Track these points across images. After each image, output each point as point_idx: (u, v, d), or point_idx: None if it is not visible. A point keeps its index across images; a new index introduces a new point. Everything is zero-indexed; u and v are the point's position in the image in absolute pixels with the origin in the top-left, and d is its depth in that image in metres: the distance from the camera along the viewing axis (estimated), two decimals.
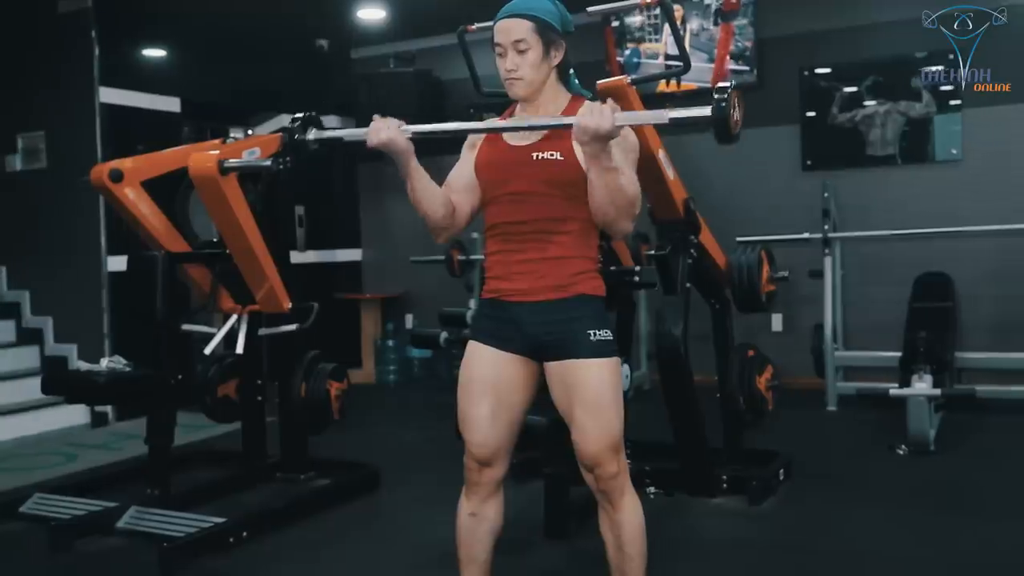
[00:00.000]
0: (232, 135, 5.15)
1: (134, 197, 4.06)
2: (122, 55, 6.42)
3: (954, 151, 5.97)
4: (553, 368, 2.32)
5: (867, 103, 6.17)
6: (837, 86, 6.26)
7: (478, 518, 2.44)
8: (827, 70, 6.30)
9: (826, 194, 5.79)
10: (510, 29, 2.30)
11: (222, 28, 6.82)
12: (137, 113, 6.35)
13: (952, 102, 5.94)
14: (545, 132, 2.31)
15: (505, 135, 2.38)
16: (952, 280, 5.51)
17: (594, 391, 2.26)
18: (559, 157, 2.28)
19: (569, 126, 2.11)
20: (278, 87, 7.65)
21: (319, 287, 6.90)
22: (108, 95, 6.18)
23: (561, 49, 2.35)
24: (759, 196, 6.38)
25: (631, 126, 2.35)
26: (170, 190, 4.35)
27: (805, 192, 6.15)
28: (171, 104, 6.61)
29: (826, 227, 5.75)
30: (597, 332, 2.28)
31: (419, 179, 2.32)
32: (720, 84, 2.06)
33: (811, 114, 6.34)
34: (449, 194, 2.40)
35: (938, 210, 5.88)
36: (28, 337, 6.49)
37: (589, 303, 2.31)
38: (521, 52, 2.29)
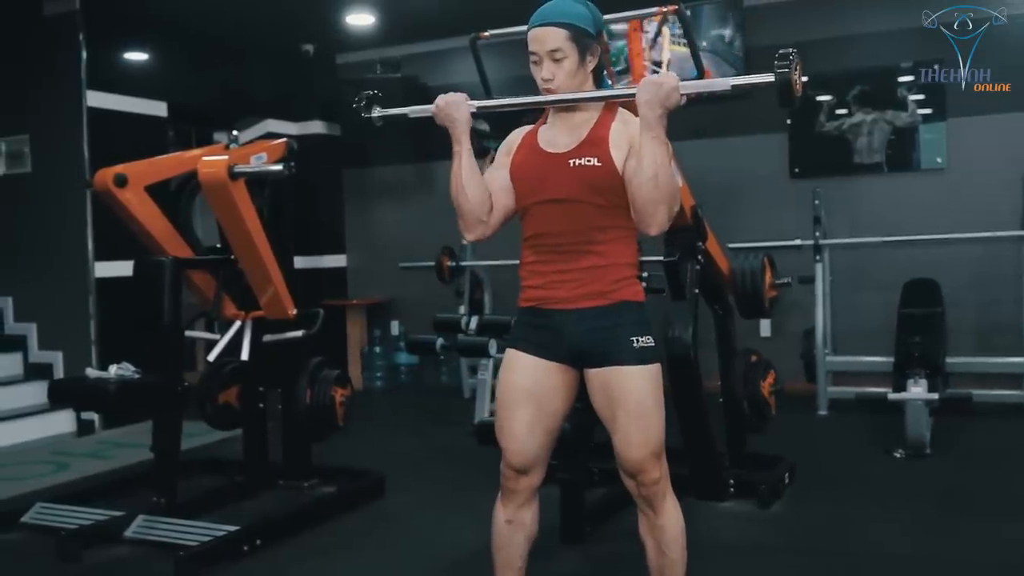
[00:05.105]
0: (225, 140, 5.10)
1: (138, 202, 4.01)
2: (109, 58, 6.35)
3: (939, 159, 6.09)
4: (595, 375, 2.32)
5: (854, 112, 6.28)
6: (824, 95, 6.35)
7: (514, 525, 2.44)
8: (814, 79, 6.39)
9: (816, 201, 5.87)
10: (545, 38, 2.29)
11: (209, 32, 6.78)
12: (123, 117, 6.28)
13: (936, 111, 6.06)
14: (581, 139, 2.32)
15: (541, 142, 2.38)
16: (939, 286, 5.62)
17: (637, 398, 2.27)
18: (596, 163, 2.28)
19: (632, 95, 2.16)
20: (264, 92, 7.61)
21: (304, 293, 6.85)
22: (95, 99, 6.11)
23: (596, 53, 2.35)
24: (748, 203, 6.44)
25: None
26: (168, 195, 4.31)
27: (793, 199, 6.24)
28: (158, 108, 6.54)
29: (817, 234, 5.84)
30: (639, 338, 2.28)
31: (467, 158, 2.35)
32: (782, 51, 2.11)
33: (799, 123, 6.43)
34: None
35: (923, 217, 6.01)
36: (11, 344, 6.38)
37: (631, 309, 2.32)
38: (557, 61, 2.29)
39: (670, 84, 2.10)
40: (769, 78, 2.07)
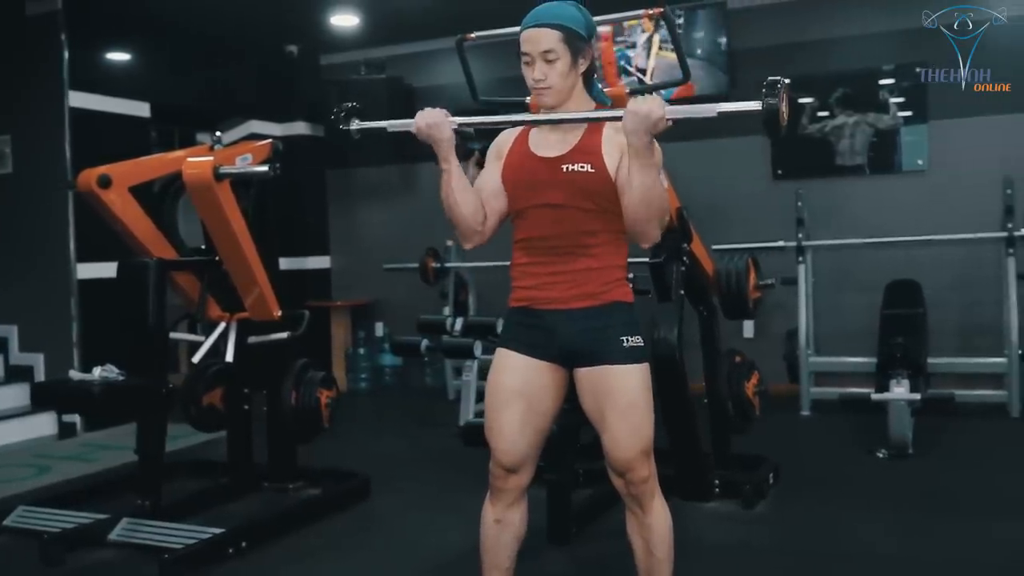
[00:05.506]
0: (209, 141, 5.09)
1: (122, 203, 3.99)
2: (92, 59, 6.31)
3: (920, 162, 6.15)
4: (585, 374, 2.33)
5: (836, 114, 6.32)
6: (806, 97, 6.38)
7: (503, 524, 2.45)
8: (797, 82, 6.41)
9: (799, 203, 5.91)
10: (539, 39, 2.29)
11: (192, 33, 6.74)
12: (106, 117, 6.23)
13: (918, 114, 6.11)
14: (574, 144, 2.33)
15: (533, 146, 2.39)
16: (921, 287, 5.67)
17: (627, 397, 2.29)
18: (589, 169, 2.29)
19: (618, 118, 2.14)
20: (247, 93, 7.59)
21: (288, 295, 6.82)
22: (77, 99, 6.06)
23: (588, 56, 2.36)
24: (731, 205, 6.46)
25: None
26: (151, 196, 4.29)
27: (776, 201, 6.28)
28: (140, 109, 6.49)
29: (800, 235, 5.87)
30: (629, 338, 2.31)
31: (456, 174, 2.33)
32: (771, 79, 2.07)
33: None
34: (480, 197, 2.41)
35: (905, 218, 6.05)
36: None
37: (621, 310, 2.34)
38: (550, 62, 2.29)
39: (656, 114, 2.07)
40: (756, 106, 2.05)
